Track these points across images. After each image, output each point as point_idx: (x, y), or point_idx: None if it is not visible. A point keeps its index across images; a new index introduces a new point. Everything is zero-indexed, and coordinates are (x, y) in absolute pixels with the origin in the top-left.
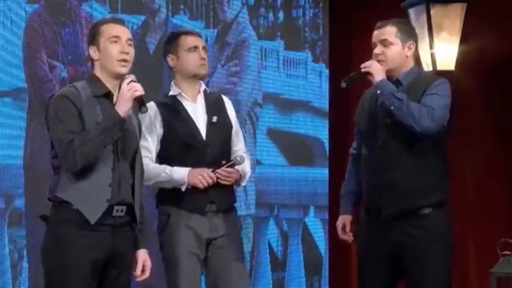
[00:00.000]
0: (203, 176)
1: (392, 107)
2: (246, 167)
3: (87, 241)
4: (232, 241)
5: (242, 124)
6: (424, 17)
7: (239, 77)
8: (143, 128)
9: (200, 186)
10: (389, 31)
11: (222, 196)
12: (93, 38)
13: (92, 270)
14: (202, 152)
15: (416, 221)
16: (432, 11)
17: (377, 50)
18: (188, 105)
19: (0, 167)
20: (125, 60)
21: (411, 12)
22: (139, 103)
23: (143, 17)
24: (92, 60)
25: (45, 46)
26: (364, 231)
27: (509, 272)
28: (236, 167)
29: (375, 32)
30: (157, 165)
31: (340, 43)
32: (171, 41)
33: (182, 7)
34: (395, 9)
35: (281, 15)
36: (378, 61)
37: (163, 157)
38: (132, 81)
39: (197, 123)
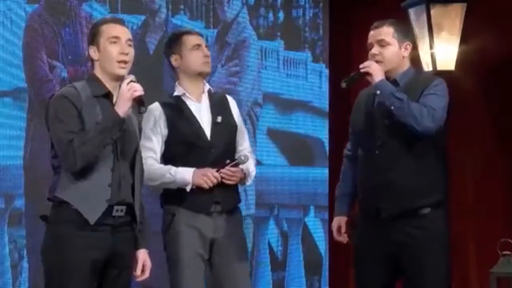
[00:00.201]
0: (207, 176)
1: (392, 107)
2: (250, 166)
3: (87, 241)
4: (235, 242)
5: None
6: (424, 17)
7: (239, 77)
8: (147, 129)
9: (205, 186)
10: (386, 32)
11: (226, 196)
12: (93, 38)
13: (92, 270)
14: (206, 152)
15: (415, 221)
16: (432, 11)
17: (374, 50)
18: (192, 105)
19: (0, 167)
20: (124, 61)
21: (411, 12)
22: (139, 103)
23: (143, 17)
24: (92, 60)
25: (45, 46)
26: (361, 231)
27: (509, 272)
28: (240, 166)
29: (372, 33)
30: (161, 165)
31: (340, 43)
32: (174, 41)
33: (182, 7)
34: (395, 9)
35: (281, 15)
36: (376, 61)
37: (167, 158)
38: (131, 81)
39: (201, 123)
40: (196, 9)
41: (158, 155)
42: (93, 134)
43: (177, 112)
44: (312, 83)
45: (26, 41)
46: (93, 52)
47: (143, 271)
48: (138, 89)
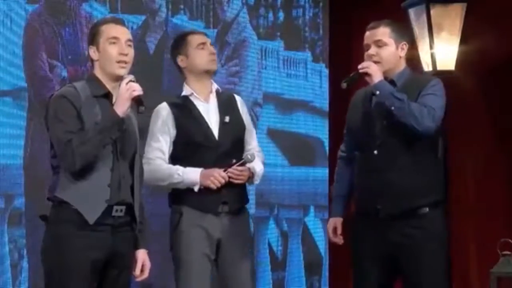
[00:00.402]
0: (214, 177)
1: (392, 108)
2: (257, 164)
3: (87, 241)
4: (241, 242)
5: None
6: (424, 17)
7: (239, 77)
8: (155, 129)
9: (212, 186)
10: (382, 32)
11: (234, 196)
12: (93, 38)
13: (92, 270)
14: (214, 152)
15: (413, 221)
16: (432, 11)
17: (372, 51)
18: (200, 105)
19: (0, 167)
20: (124, 62)
21: (411, 12)
22: (137, 103)
23: (143, 17)
24: (92, 60)
25: (45, 46)
26: (359, 232)
27: (509, 272)
28: (247, 165)
29: (368, 33)
30: (170, 166)
31: (340, 43)
32: (179, 42)
33: (182, 7)
34: (395, 9)
35: (281, 15)
36: (373, 62)
37: (175, 158)
38: (130, 81)
39: (209, 123)
40: (196, 9)
41: (166, 155)
42: (92, 134)
43: (185, 112)
44: (312, 83)
45: (26, 41)
46: (92, 52)
47: (142, 271)
48: (137, 89)
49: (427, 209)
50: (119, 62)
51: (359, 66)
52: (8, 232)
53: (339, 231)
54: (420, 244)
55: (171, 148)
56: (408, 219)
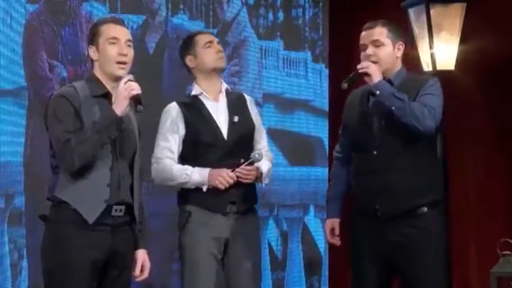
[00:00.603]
0: (223, 177)
1: (393, 108)
2: (264, 164)
3: (86, 240)
4: (249, 243)
5: None
6: (424, 17)
7: (239, 76)
8: (164, 129)
9: (221, 186)
10: (380, 32)
11: (242, 196)
12: (93, 38)
13: (92, 270)
14: (223, 152)
15: (412, 221)
16: (432, 11)
17: (369, 51)
18: (209, 104)
19: (1, 166)
20: (123, 62)
21: (411, 12)
22: (136, 102)
23: (143, 17)
24: (91, 60)
25: (45, 45)
26: (358, 231)
27: (509, 272)
28: (255, 164)
29: (364, 33)
30: (179, 166)
31: (340, 43)
32: (187, 43)
33: (182, 7)
34: (395, 9)
35: (281, 15)
36: (371, 62)
37: (184, 157)
38: (129, 80)
39: (218, 123)
40: (196, 9)
41: (176, 155)
42: (90, 133)
43: (194, 111)
44: (312, 82)
45: (26, 41)
46: (92, 52)
47: (142, 271)
48: (135, 88)
49: (425, 208)
50: (118, 62)
51: (358, 66)
52: (8, 231)
53: (336, 232)
54: (419, 243)
55: (180, 148)
56: (406, 218)
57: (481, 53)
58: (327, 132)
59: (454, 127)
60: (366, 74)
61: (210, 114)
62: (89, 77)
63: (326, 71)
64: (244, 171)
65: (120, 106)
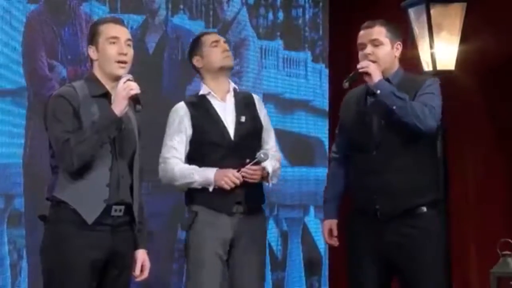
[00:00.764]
0: (228, 177)
1: (394, 107)
2: (270, 163)
3: (86, 240)
4: (254, 244)
5: None
6: (424, 17)
7: (239, 76)
8: (171, 128)
9: (226, 187)
10: (378, 31)
11: (249, 196)
12: (92, 37)
13: (92, 270)
14: (230, 152)
15: (411, 221)
16: (432, 11)
17: (368, 50)
18: (217, 104)
19: (1, 165)
20: (123, 62)
21: (411, 12)
22: (135, 102)
23: (142, 17)
24: (91, 60)
25: (45, 45)
26: (357, 231)
27: (509, 272)
28: (262, 164)
29: (363, 32)
30: (185, 165)
31: (340, 43)
32: (194, 43)
33: (182, 7)
34: (395, 9)
35: (281, 15)
36: (370, 61)
37: (191, 157)
38: (128, 79)
39: (225, 123)
40: (196, 9)
41: (183, 155)
42: (89, 133)
43: (202, 111)
44: (312, 82)
45: (26, 41)
46: (92, 52)
47: (142, 271)
48: (134, 88)
49: (424, 208)
50: (118, 62)
51: (358, 66)
52: (8, 232)
53: (334, 233)
54: (418, 243)
55: (188, 147)
56: (406, 218)
57: (481, 53)
58: (327, 132)
59: (454, 127)
60: (366, 73)
61: (217, 114)
62: (89, 76)
63: (326, 71)
64: (249, 171)
65: (119, 105)
